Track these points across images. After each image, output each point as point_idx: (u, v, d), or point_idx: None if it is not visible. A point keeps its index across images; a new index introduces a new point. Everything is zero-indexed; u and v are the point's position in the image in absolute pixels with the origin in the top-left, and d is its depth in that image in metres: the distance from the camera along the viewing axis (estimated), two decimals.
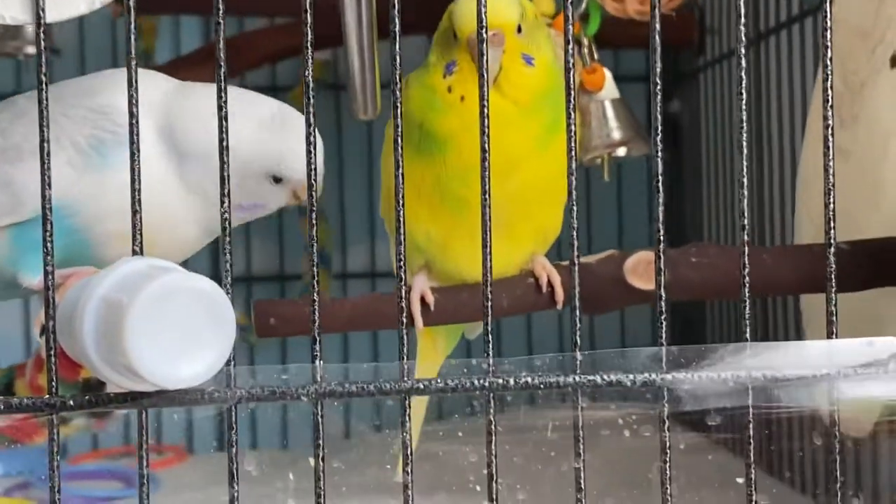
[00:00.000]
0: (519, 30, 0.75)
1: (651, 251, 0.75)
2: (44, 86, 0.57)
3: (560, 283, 0.75)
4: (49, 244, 0.58)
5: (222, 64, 0.59)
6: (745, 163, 0.59)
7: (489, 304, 0.57)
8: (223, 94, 0.59)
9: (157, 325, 0.54)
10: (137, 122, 0.58)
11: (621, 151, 0.92)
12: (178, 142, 0.67)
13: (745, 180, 0.59)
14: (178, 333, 0.55)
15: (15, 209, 0.65)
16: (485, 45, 0.57)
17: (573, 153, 0.62)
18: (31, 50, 1.19)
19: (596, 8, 0.92)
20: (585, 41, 0.91)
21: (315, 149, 0.57)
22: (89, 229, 0.66)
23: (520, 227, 0.76)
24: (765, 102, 1.18)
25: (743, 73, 0.59)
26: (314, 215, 0.57)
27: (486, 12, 0.57)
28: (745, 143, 0.59)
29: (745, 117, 0.60)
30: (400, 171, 0.58)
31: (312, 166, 0.58)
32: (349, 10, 0.68)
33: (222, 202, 0.59)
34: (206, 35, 1.38)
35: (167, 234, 0.67)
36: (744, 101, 0.60)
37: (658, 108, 0.59)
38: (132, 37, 0.58)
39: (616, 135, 0.91)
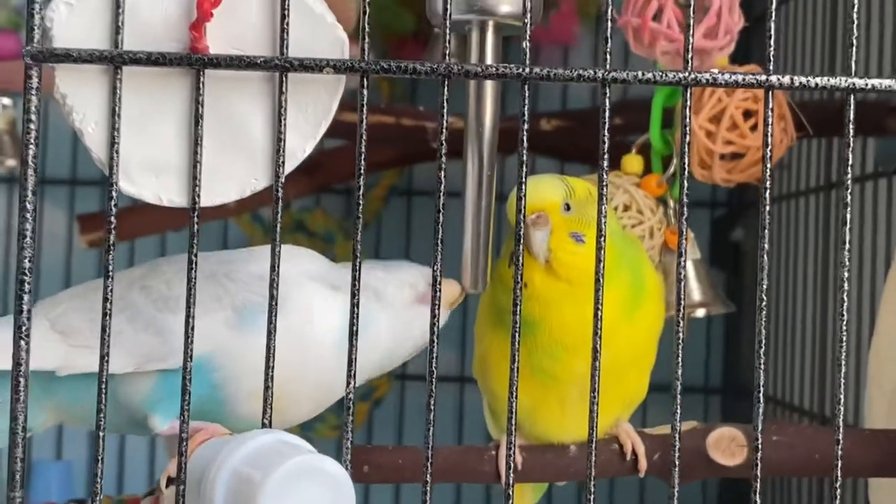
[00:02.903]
0: (568, 208, 0.75)
1: (732, 427, 0.79)
2: (194, 264, 0.61)
3: (644, 453, 0.79)
4: (186, 412, 0.61)
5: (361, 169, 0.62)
6: (843, 335, 0.61)
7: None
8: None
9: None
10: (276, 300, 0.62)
11: (700, 312, 0.92)
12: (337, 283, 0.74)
13: (843, 351, 0.61)
14: None
15: (165, 357, 0.69)
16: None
17: (680, 330, 0.64)
18: None
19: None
20: (671, 202, 0.92)
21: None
22: (226, 386, 0.70)
23: (606, 394, 0.77)
24: (833, 255, 1.20)
25: (846, 254, 0.62)
26: None
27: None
28: (845, 315, 0.61)
29: (846, 299, 0.62)
30: (515, 365, 0.62)
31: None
32: (470, 191, 0.72)
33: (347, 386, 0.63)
34: None
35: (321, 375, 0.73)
36: (845, 293, 0.63)
37: (762, 338, 0.62)
38: None
39: (696, 296, 0.92)
